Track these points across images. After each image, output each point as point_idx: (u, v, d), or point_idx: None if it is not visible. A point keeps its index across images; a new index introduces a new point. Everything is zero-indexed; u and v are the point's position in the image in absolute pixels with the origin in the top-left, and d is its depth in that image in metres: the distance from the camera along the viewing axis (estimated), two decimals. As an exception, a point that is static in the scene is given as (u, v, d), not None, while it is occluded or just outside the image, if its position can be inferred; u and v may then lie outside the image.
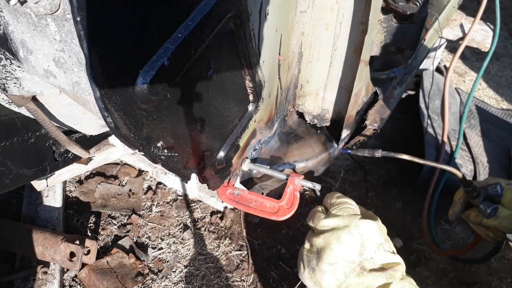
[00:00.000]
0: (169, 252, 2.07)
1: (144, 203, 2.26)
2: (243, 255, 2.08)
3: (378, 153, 1.17)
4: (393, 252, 0.95)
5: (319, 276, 0.91)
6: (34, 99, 0.95)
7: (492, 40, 2.62)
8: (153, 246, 2.09)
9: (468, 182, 1.22)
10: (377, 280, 0.88)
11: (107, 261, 1.94)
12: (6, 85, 0.86)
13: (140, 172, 2.36)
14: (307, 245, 0.99)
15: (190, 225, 2.18)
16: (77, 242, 1.79)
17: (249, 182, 1.43)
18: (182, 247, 2.09)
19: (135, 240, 2.08)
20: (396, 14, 1.30)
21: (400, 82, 1.69)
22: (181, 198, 2.29)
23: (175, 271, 2.00)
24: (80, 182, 2.27)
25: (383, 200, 2.41)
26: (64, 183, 2.17)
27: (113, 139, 1.66)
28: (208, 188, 1.09)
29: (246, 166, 1.24)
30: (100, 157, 1.67)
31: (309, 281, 0.95)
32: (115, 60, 0.61)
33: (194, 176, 0.99)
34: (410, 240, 2.21)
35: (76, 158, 1.39)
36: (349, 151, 1.24)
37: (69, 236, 1.82)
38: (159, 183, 2.34)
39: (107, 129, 0.97)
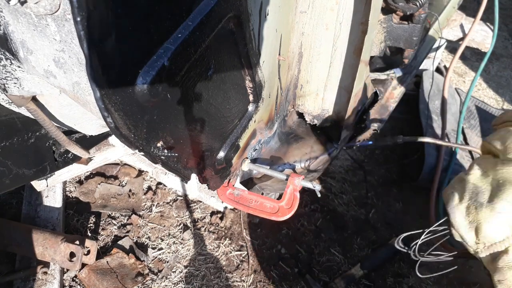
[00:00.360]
0: (169, 253, 2.07)
1: (144, 203, 2.26)
2: (243, 255, 2.08)
3: (400, 139, 1.12)
4: None
5: (486, 215, 0.67)
6: (34, 99, 0.95)
7: (492, 40, 2.61)
8: (153, 246, 2.09)
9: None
10: None
11: (107, 261, 1.94)
12: (6, 85, 0.86)
13: (140, 172, 2.36)
14: (476, 171, 0.74)
15: (190, 226, 2.18)
16: (77, 242, 1.79)
17: (249, 182, 1.43)
18: (182, 247, 2.09)
19: (135, 240, 2.08)
20: (396, 14, 1.30)
21: (400, 82, 1.69)
22: (181, 198, 2.29)
23: (175, 271, 2.00)
24: (80, 182, 2.27)
25: (383, 200, 2.41)
26: (64, 183, 2.17)
27: (113, 139, 1.66)
28: (208, 188, 1.09)
29: (246, 166, 1.24)
30: (100, 157, 1.67)
31: (461, 219, 0.71)
32: (115, 60, 0.61)
33: (194, 176, 0.98)
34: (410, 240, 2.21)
35: (76, 158, 1.39)
36: (370, 142, 1.18)
37: (69, 236, 1.82)
38: (159, 183, 2.34)
39: (107, 129, 0.97)
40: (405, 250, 1.06)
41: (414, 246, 1.01)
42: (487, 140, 0.77)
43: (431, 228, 0.88)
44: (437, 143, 1.08)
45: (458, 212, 0.71)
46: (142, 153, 0.75)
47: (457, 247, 0.84)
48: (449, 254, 0.94)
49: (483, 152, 0.80)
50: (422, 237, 0.93)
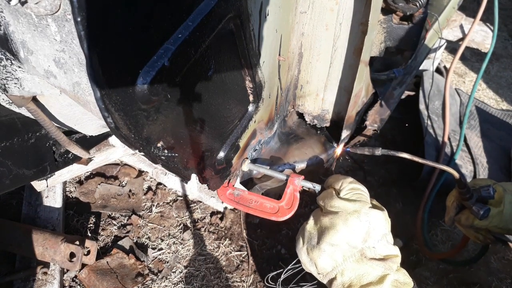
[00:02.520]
0: (169, 253, 2.07)
1: (144, 204, 2.26)
2: (243, 255, 2.08)
3: (378, 151, 1.16)
4: (394, 244, 0.96)
5: (317, 254, 0.91)
6: (34, 99, 0.95)
7: (492, 40, 2.61)
8: (153, 246, 2.09)
9: (463, 183, 1.22)
10: (375, 269, 0.88)
11: (107, 262, 1.94)
12: (6, 85, 0.86)
13: (140, 173, 2.36)
14: (311, 221, 0.98)
15: (190, 226, 2.18)
16: (77, 242, 1.79)
17: (249, 182, 1.43)
18: (182, 248, 2.09)
19: (135, 241, 2.08)
20: (396, 15, 1.30)
21: (400, 83, 1.69)
22: (181, 198, 2.29)
23: (175, 272, 2.00)
24: (80, 182, 2.27)
25: (383, 200, 2.39)
26: (64, 183, 2.17)
27: (113, 139, 1.66)
28: (208, 189, 1.09)
29: (246, 166, 1.24)
30: (100, 158, 1.67)
31: (305, 257, 0.96)
32: (116, 60, 0.61)
33: (194, 177, 0.99)
34: (410, 241, 2.21)
35: (76, 159, 1.39)
36: (348, 149, 1.25)
37: (69, 237, 1.82)
38: (159, 183, 2.34)
39: (108, 129, 0.97)
40: (275, 286, 1.30)
41: (279, 281, 1.27)
42: (317, 199, 1.05)
43: (289, 266, 1.17)
44: (414, 159, 1.12)
45: (302, 252, 0.96)
46: (142, 153, 0.75)
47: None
48: (310, 284, 1.25)
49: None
50: (283, 274, 1.22)
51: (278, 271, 1.24)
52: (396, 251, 0.94)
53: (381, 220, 0.94)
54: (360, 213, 0.92)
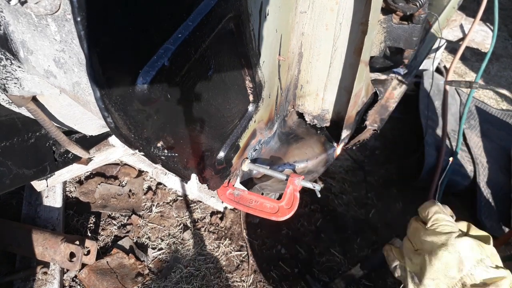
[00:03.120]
0: (169, 253, 2.07)
1: (144, 204, 2.26)
2: (243, 255, 2.08)
3: (476, 85, 1.15)
4: (497, 267, 0.96)
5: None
6: (34, 99, 0.95)
7: (492, 40, 2.61)
8: (153, 246, 2.09)
9: None
10: None
11: (107, 262, 1.94)
12: (6, 85, 0.86)
13: (140, 173, 2.36)
14: (408, 261, 1.03)
15: (190, 226, 2.18)
16: (77, 242, 1.79)
17: (249, 182, 1.43)
18: (182, 248, 2.09)
19: (135, 241, 2.08)
20: (396, 15, 1.30)
21: (400, 83, 1.69)
22: (181, 198, 2.29)
23: (175, 272, 2.00)
24: (80, 182, 2.27)
25: (383, 200, 2.41)
26: (64, 183, 2.17)
27: (113, 139, 1.66)
28: (208, 189, 1.09)
29: (246, 166, 1.24)
30: (100, 158, 1.67)
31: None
32: (116, 60, 0.61)
33: (194, 177, 0.98)
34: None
35: (76, 159, 1.39)
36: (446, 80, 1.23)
37: (69, 237, 1.82)
38: (159, 183, 2.34)
39: (107, 129, 0.97)
40: None
41: None
42: (408, 235, 1.09)
43: None
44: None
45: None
46: (142, 153, 0.75)
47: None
48: None
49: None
50: None
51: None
52: (501, 273, 0.95)
53: (472, 247, 0.95)
54: (448, 246, 0.95)
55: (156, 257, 2.04)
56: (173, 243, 2.10)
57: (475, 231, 1.05)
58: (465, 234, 1.01)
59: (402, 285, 1.06)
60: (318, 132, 1.48)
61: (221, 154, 1.07)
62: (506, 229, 2.19)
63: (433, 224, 1.01)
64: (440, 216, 1.02)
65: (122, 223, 2.15)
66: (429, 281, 0.95)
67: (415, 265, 1.00)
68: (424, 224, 1.04)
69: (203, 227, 2.17)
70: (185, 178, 0.95)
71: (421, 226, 1.04)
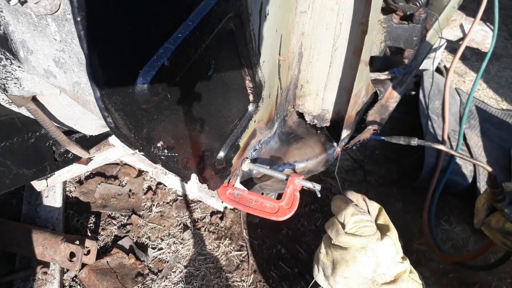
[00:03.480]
0: (169, 252, 2.07)
1: (144, 203, 2.26)
2: (243, 255, 2.08)
3: (414, 141, 1.13)
4: (401, 258, 0.99)
5: (332, 283, 0.98)
6: (34, 99, 0.95)
7: (492, 40, 2.61)
8: (153, 246, 2.09)
9: (497, 183, 1.20)
10: None
11: (107, 261, 1.94)
12: (6, 85, 0.86)
13: (140, 173, 2.36)
14: (323, 251, 1.02)
15: (190, 225, 2.18)
16: (77, 242, 1.79)
17: (249, 182, 1.43)
18: (182, 247, 2.09)
19: (135, 240, 2.08)
20: (396, 14, 1.30)
21: (400, 82, 1.69)
22: (181, 198, 2.29)
23: (175, 271, 2.00)
24: (80, 182, 2.27)
25: (383, 200, 2.41)
26: (64, 183, 2.17)
27: (113, 139, 1.65)
28: (208, 188, 1.09)
29: (246, 166, 1.24)
30: (100, 157, 1.67)
31: (323, 283, 1.01)
32: (115, 60, 0.61)
33: (194, 176, 0.98)
34: (410, 241, 2.21)
35: (76, 158, 1.39)
36: (383, 137, 1.21)
37: (69, 236, 1.82)
38: (159, 183, 2.34)
39: (107, 129, 0.97)
40: None
41: None
42: (325, 227, 1.06)
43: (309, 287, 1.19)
44: (451, 153, 1.09)
45: (319, 279, 1.02)
46: (142, 153, 0.75)
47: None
48: None
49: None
50: None
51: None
52: (403, 267, 0.97)
53: (388, 249, 0.97)
54: (367, 249, 0.95)
55: (156, 257, 2.04)
56: (173, 243, 2.10)
57: (383, 216, 1.07)
58: (380, 226, 1.03)
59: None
60: (318, 132, 1.48)
61: (221, 154, 1.07)
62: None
63: (354, 227, 0.98)
64: (358, 218, 0.99)
65: (122, 223, 2.15)
66: (340, 278, 0.95)
67: (330, 258, 0.99)
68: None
69: (203, 227, 2.17)
70: (185, 178, 0.95)
71: (340, 227, 1.01)
